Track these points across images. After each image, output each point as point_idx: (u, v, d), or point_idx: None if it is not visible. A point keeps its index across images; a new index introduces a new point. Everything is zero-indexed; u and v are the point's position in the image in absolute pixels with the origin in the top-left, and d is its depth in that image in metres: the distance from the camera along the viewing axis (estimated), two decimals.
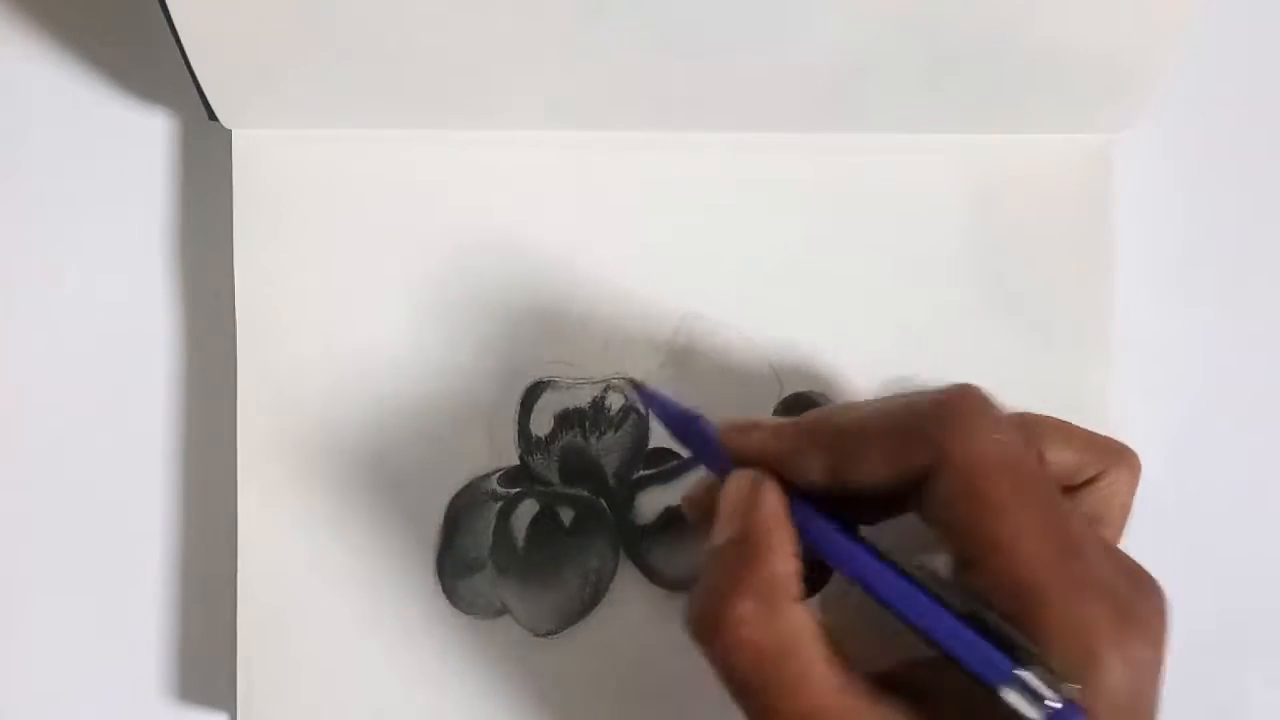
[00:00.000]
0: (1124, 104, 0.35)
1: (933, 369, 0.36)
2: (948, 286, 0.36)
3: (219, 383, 0.36)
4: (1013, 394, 0.35)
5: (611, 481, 0.35)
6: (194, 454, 0.37)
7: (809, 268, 0.36)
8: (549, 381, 0.36)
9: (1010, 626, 0.25)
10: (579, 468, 0.35)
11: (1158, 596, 0.27)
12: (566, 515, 0.35)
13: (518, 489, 0.35)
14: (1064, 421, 0.31)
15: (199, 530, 0.36)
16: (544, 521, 0.35)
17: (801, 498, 0.28)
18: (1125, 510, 0.30)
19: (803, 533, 0.28)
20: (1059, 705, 0.24)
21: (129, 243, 0.37)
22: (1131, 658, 0.25)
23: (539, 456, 0.35)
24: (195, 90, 0.34)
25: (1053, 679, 0.24)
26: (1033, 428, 0.30)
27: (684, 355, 0.36)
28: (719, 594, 0.26)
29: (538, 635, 0.35)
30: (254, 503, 0.35)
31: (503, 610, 0.35)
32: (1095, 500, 0.30)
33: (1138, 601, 0.26)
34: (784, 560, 0.27)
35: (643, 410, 0.35)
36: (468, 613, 0.35)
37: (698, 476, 0.32)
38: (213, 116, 0.35)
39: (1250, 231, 0.38)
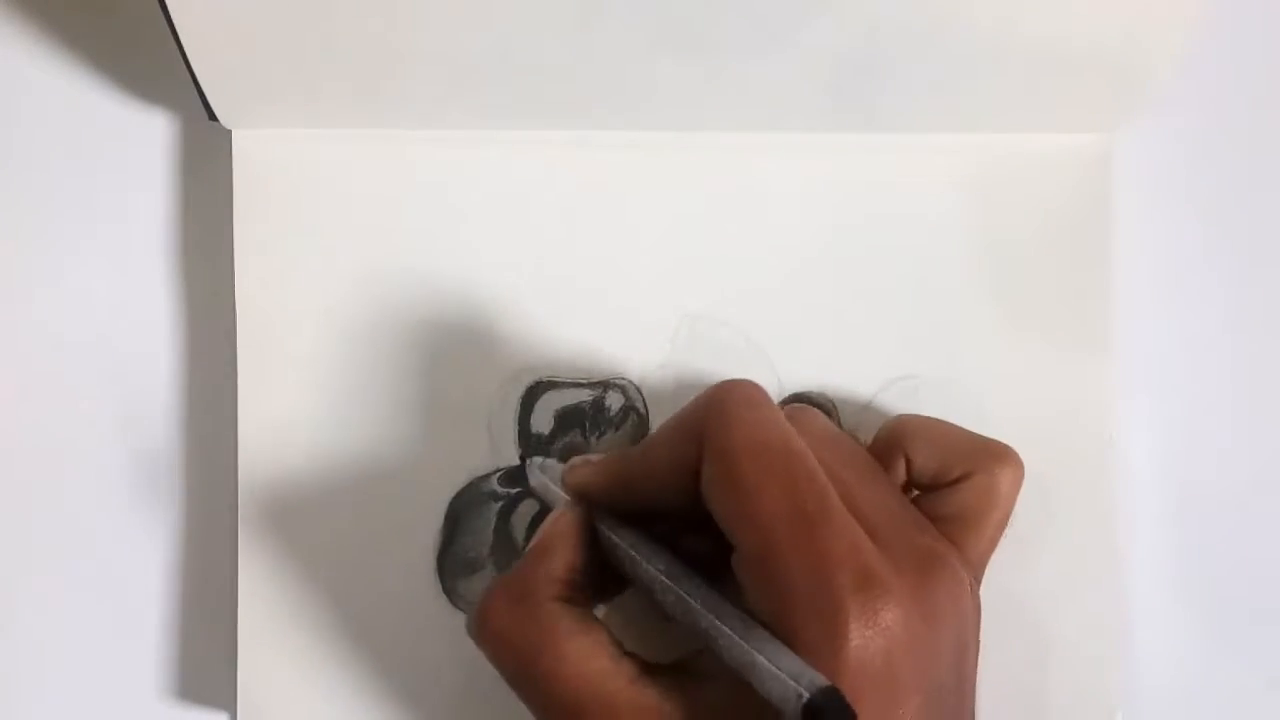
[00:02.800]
0: (1124, 102, 0.35)
1: (933, 368, 0.36)
2: (947, 286, 0.36)
3: (219, 382, 0.36)
4: (1013, 394, 0.36)
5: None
6: (194, 453, 0.37)
7: (809, 267, 0.36)
8: (549, 381, 0.36)
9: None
10: None
11: (943, 578, 0.28)
12: None
13: (518, 489, 0.35)
14: (934, 421, 0.33)
15: (199, 531, 0.36)
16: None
17: (618, 517, 0.30)
18: (999, 510, 0.31)
19: (610, 546, 0.30)
20: (806, 695, 0.24)
21: (129, 243, 0.37)
22: (879, 625, 0.26)
23: (539, 456, 0.35)
24: (195, 90, 0.34)
25: (803, 666, 0.25)
26: (900, 431, 0.32)
27: (684, 355, 0.36)
28: (487, 593, 0.29)
29: None
30: (254, 503, 0.35)
31: None
32: (960, 500, 0.31)
33: (907, 575, 0.27)
34: (554, 566, 0.29)
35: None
36: (468, 613, 0.35)
37: None
38: (213, 117, 0.35)
39: (1250, 231, 0.38)
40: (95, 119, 0.37)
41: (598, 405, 0.36)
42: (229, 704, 0.35)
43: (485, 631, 0.28)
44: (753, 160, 0.36)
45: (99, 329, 0.37)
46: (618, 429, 0.36)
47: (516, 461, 0.35)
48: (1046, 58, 0.34)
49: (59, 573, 0.36)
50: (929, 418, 0.33)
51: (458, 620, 0.35)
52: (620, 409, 0.36)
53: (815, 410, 0.33)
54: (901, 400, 0.36)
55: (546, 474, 0.33)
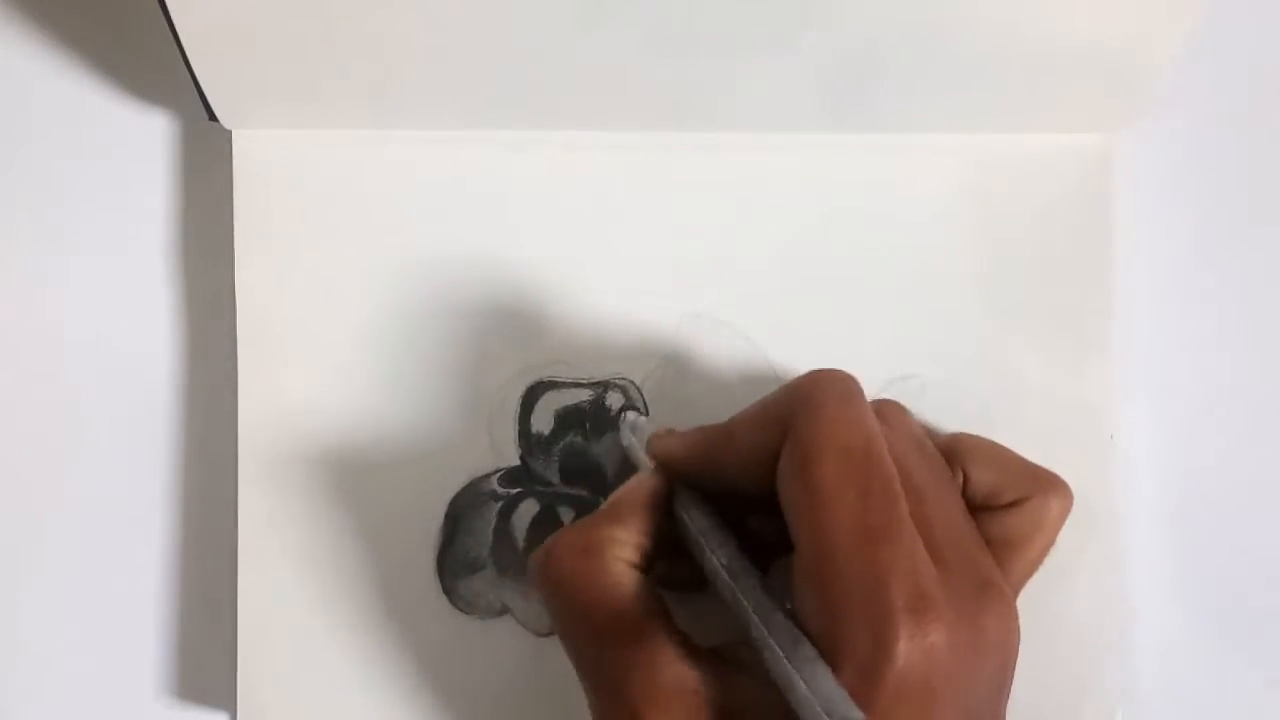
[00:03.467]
0: (1124, 103, 0.35)
1: (933, 368, 0.36)
2: (947, 286, 0.36)
3: (219, 382, 0.36)
4: (1013, 394, 0.36)
5: (612, 481, 0.35)
6: (194, 453, 0.37)
7: (809, 267, 0.36)
8: (549, 381, 0.36)
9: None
10: (579, 468, 0.35)
11: (994, 607, 0.28)
12: (567, 515, 0.35)
13: (518, 489, 0.35)
14: (995, 445, 0.32)
15: (199, 530, 0.36)
16: (544, 522, 0.35)
17: (696, 494, 0.30)
18: (1045, 538, 0.31)
19: (681, 524, 0.30)
20: None
21: (129, 243, 0.37)
22: (926, 647, 0.25)
23: (539, 456, 0.35)
24: (195, 91, 0.34)
25: (839, 696, 0.25)
26: (960, 444, 0.32)
27: (684, 355, 0.36)
28: (556, 538, 0.29)
29: (538, 635, 0.35)
30: (254, 502, 0.35)
31: (503, 610, 0.35)
32: (1014, 524, 0.31)
33: (960, 600, 0.26)
34: (626, 529, 0.29)
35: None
36: (468, 613, 0.35)
37: None
38: (213, 117, 0.35)
39: (1250, 231, 0.38)
40: (95, 119, 0.37)
41: (598, 405, 0.36)
42: (229, 704, 0.35)
43: (548, 572, 0.29)
44: (752, 160, 0.36)
45: (99, 329, 0.37)
46: (618, 429, 0.36)
47: (516, 461, 0.35)
48: (1046, 58, 0.34)
49: (59, 572, 0.36)
50: (986, 439, 0.32)
51: (458, 620, 0.35)
52: (620, 409, 0.36)
53: (902, 407, 0.32)
54: (901, 400, 0.36)
55: (636, 434, 0.33)
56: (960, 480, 0.31)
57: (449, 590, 0.35)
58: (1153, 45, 0.34)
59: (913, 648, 0.25)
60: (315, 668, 0.35)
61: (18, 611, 0.36)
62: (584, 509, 0.35)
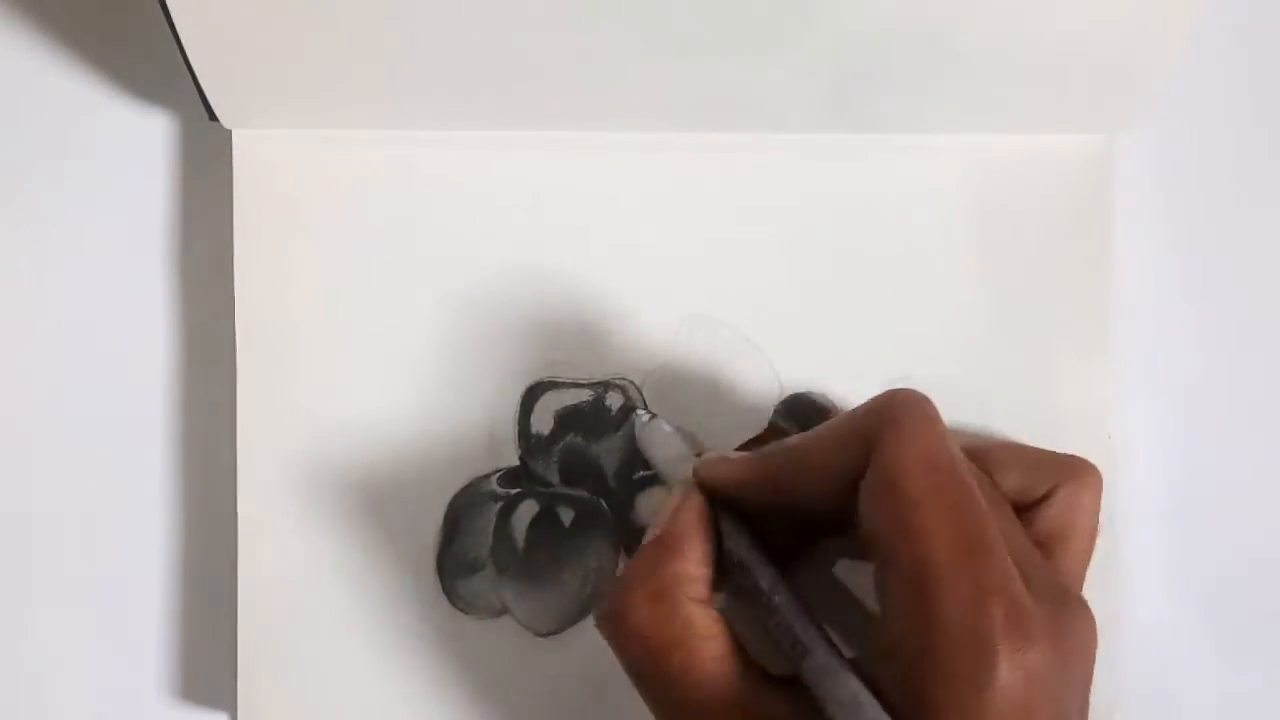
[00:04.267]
0: (1124, 103, 0.35)
1: (933, 368, 0.36)
2: (947, 286, 0.36)
3: (219, 383, 0.36)
4: (1013, 394, 0.36)
5: (611, 482, 0.35)
6: (194, 454, 0.37)
7: (809, 267, 0.36)
8: (549, 381, 0.36)
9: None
10: (579, 468, 0.35)
11: (1077, 617, 0.28)
12: (566, 515, 0.35)
13: (518, 489, 0.35)
14: (1011, 443, 0.32)
15: (199, 531, 0.36)
16: (544, 522, 0.35)
17: (736, 515, 0.30)
18: (1087, 523, 0.31)
19: (727, 551, 0.30)
20: None
21: (129, 243, 0.37)
22: (1025, 665, 0.25)
23: (539, 456, 0.35)
24: (195, 90, 0.34)
25: None
26: (980, 452, 0.31)
27: (684, 355, 0.36)
28: (622, 586, 0.28)
29: (538, 635, 0.35)
30: (254, 502, 0.35)
31: (503, 610, 0.35)
32: (1052, 516, 0.30)
33: (1048, 614, 0.26)
34: (689, 562, 0.29)
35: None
36: (468, 613, 0.35)
37: None
38: (213, 117, 0.35)
39: (1250, 231, 0.38)
40: (95, 119, 0.37)
41: (598, 405, 0.36)
42: (229, 704, 0.35)
43: (621, 627, 0.28)
44: (753, 160, 0.36)
45: (99, 329, 0.37)
46: (618, 429, 0.36)
47: (516, 461, 0.35)
48: (1047, 59, 0.34)
49: (59, 573, 0.36)
50: (1002, 440, 0.32)
51: (458, 620, 0.35)
52: (620, 409, 0.36)
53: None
54: None
55: (651, 435, 0.33)
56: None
57: (449, 590, 0.35)
58: (1152, 46, 0.34)
59: (1013, 666, 0.25)
60: (315, 668, 0.35)
61: (19, 612, 0.36)
62: (584, 509, 0.35)
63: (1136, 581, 0.36)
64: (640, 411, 0.34)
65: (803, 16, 0.33)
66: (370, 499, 0.35)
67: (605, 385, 0.36)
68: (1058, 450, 0.32)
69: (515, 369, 0.36)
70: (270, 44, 0.33)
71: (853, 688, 0.26)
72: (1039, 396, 0.36)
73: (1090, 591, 0.35)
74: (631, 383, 0.36)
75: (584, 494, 0.35)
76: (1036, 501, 0.31)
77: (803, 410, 0.36)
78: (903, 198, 0.36)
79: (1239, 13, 0.38)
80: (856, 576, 0.31)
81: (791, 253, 0.36)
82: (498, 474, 0.35)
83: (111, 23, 0.37)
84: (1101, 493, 0.31)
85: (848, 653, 0.27)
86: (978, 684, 0.25)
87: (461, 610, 0.35)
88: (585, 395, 0.36)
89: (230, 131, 0.35)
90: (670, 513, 0.30)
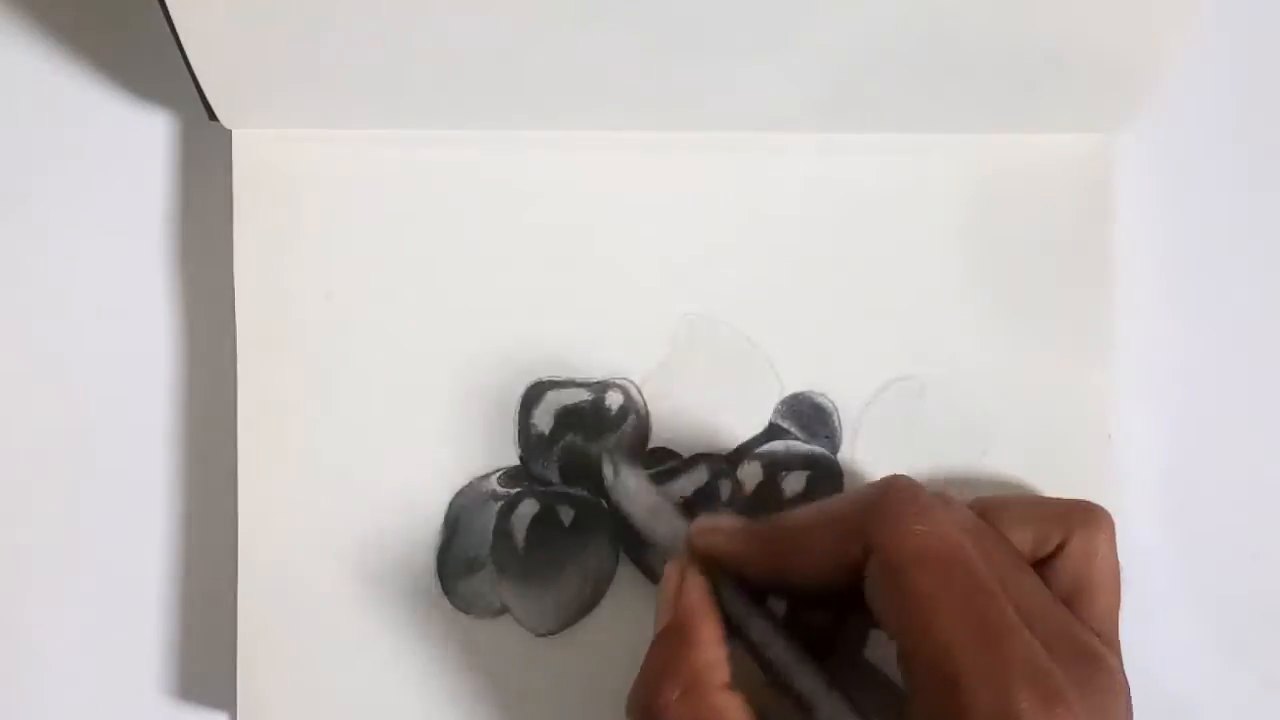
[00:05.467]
0: (1124, 103, 0.35)
1: (933, 369, 0.36)
2: (947, 286, 0.36)
3: (219, 382, 0.36)
4: (1013, 394, 0.36)
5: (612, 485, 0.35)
6: (194, 454, 0.37)
7: (809, 267, 0.36)
8: (549, 381, 0.36)
9: None
10: (579, 467, 0.35)
11: (1108, 680, 0.28)
12: (566, 515, 0.35)
13: (518, 489, 0.35)
14: (1018, 497, 0.33)
15: (199, 530, 0.36)
16: (544, 521, 0.35)
17: (736, 582, 0.30)
18: (1106, 570, 0.31)
19: (728, 616, 0.30)
20: None
21: (129, 243, 0.37)
22: None
23: (539, 456, 0.35)
24: (195, 90, 0.34)
25: None
26: (987, 511, 0.31)
27: (684, 355, 0.36)
28: (650, 683, 0.29)
29: (538, 635, 0.35)
30: (254, 502, 0.35)
31: (503, 610, 0.35)
32: (1069, 569, 0.31)
33: (1077, 680, 0.26)
34: (709, 648, 0.29)
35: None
36: (468, 612, 0.35)
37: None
38: (213, 116, 0.35)
39: (1251, 231, 0.38)
40: (95, 118, 0.37)
41: (598, 405, 0.36)
42: (229, 704, 0.35)
43: None
44: (753, 160, 0.36)
45: (98, 328, 0.37)
46: (617, 429, 0.36)
47: (516, 461, 0.35)
48: (1047, 58, 0.34)
49: (59, 572, 0.36)
50: (1002, 495, 0.33)
51: (458, 620, 0.35)
52: (620, 409, 0.36)
53: (956, 500, 0.32)
54: (901, 401, 0.36)
55: (629, 496, 0.32)
56: None
57: (449, 590, 0.35)
58: (1153, 45, 0.34)
59: None
60: (315, 668, 0.35)
61: (18, 611, 0.36)
62: (584, 508, 0.35)
63: (1135, 581, 0.36)
64: (606, 468, 0.33)
65: (803, 16, 0.33)
66: (370, 499, 0.35)
67: (605, 385, 0.36)
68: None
69: (515, 368, 0.36)
70: (270, 43, 0.33)
71: None
72: (1039, 396, 0.36)
73: None
74: (631, 382, 0.36)
75: (584, 493, 0.35)
76: (1050, 555, 0.31)
77: (803, 410, 0.36)
78: (903, 198, 0.36)
79: (1239, 13, 0.38)
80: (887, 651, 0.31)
81: (791, 253, 0.36)
82: (498, 473, 0.35)
83: (111, 22, 0.37)
84: (1114, 535, 0.31)
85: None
86: None
87: (461, 610, 0.35)
88: (585, 395, 0.36)
89: (230, 131, 0.35)
90: (673, 596, 0.30)
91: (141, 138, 0.37)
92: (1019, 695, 0.25)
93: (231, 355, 0.35)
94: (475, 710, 0.35)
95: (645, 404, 0.36)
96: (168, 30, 0.32)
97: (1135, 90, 0.35)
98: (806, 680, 0.28)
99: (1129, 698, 0.28)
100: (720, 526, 0.31)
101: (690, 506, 0.35)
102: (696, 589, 0.30)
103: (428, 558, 0.35)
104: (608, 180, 0.36)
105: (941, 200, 0.36)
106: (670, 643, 0.29)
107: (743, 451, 0.36)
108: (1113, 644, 0.30)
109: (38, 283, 0.37)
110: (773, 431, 0.36)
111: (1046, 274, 0.36)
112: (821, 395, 0.36)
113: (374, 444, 0.35)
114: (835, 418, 0.36)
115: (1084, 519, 0.31)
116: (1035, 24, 0.33)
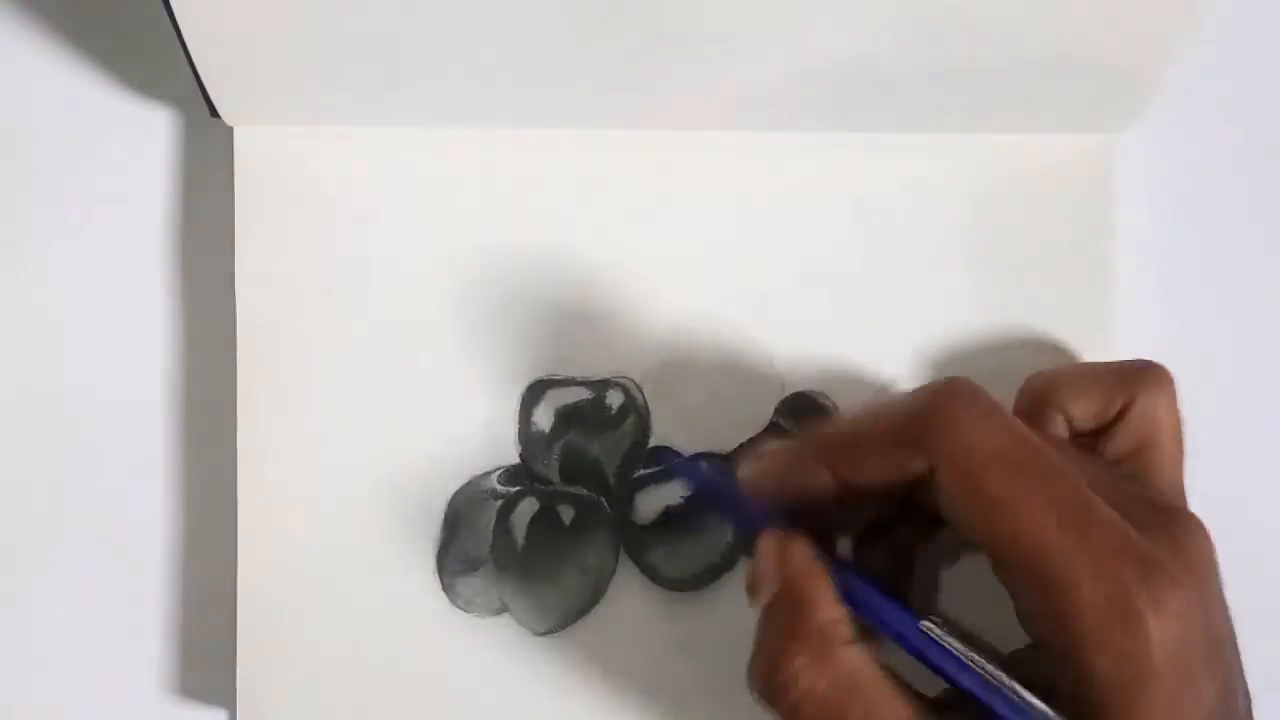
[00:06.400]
0: (1125, 103, 0.35)
1: (933, 368, 0.36)
2: (948, 286, 0.36)
3: (218, 381, 0.36)
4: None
5: (612, 480, 0.35)
6: (194, 453, 0.37)
7: (809, 267, 0.36)
8: (549, 380, 0.36)
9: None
10: (579, 466, 0.35)
11: (1192, 533, 0.27)
12: (567, 514, 0.35)
13: (518, 487, 0.35)
14: (1074, 368, 0.32)
15: (199, 528, 0.36)
16: (544, 520, 0.35)
17: (829, 554, 0.29)
18: (1172, 427, 0.30)
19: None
20: None
21: (129, 241, 0.37)
22: (1171, 611, 0.25)
23: (539, 454, 0.35)
24: (197, 86, 0.34)
25: None
26: (1046, 388, 0.31)
27: (684, 355, 0.36)
28: (774, 654, 0.27)
29: (537, 634, 0.35)
30: (254, 501, 0.35)
31: (502, 609, 0.35)
32: (1133, 430, 0.30)
33: (1169, 549, 0.26)
34: (828, 607, 0.28)
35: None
36: (467, 611, 0.35)
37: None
38: (214, 113, 0.35)
39: (1251, 231, 0.38)
40: (96, 115, 0.37)
41: (598, 404, 0.36)
42: (229, 703, 0.35)
43: (791, 694, 0.27)
44: (753, 160, 0.36)
45: (98, 325, 0.37)
46: (618, 428, 0.36)
47: (517, 460, 0.35)
48: (1047, 59, 0.34)
49: (58, 571, 0.36)
50: (1056, 369, 0.32)
51: (458, 619, 0.35)
52: (620, 408, 0.36)
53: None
54: None
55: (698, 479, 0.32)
56: (1064, 423, 0.31)
57: (449, 588, 0.35)
58: (1154, 46, 0.34)
59: (1161, 619, 0.25)
60: (314, 665, 0.35)
61: (18, 610, 0.36)
62: (584, 507, 0.35)
63: None
64: (685, 464, 0.34)
65: (803, 16, 0.33)
66: (370, 497, 0.35)
67: (605, 383, 0.36)
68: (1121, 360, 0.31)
69: (515, 366, 0.36)
70: (272, 40, 0.33)
71: (1029, 701, 0.26)
72: None
73: None
74: (632, 381, 0.36)
75: (584, 492, 0.35)
76: (1114, 420, 0.30)
77: (803, 410, 0.36)
78: (903, 197, 0.36)
79: (1239, 13, 0.38)
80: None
81: (792, 252, 0.36)
82: (498, 472, 0.35)
83: (113, 18, 0.37)
84: (1174, 389, 0.31)
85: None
86: (1139, 652, 0.25)
87: (461, 608, 0.35)
88: (585, 394, 0.36)
89: (232, 128, 0.35)
90: (776, 563, 0.28)
91: (143, 134, 0.37)
92: (1122, 577, 0.25)
93: (231, 353, 0.35)
94: (474, 708, 0.35)
95: (645, 403, 0.36)
96: (170, 26, 0.32)
97: (1138, 92, 0.35)
98: (949, 663, 0.27)
99: (1211, 541, 0.28)
100: (766, 451, 0.30)
101: (690, 506, 0.35)
102: (801, 552, 0.28)
103: (428, 557, 0.35)
104: (609, 179, 0.36)
105: (942, 200, 0.36)
106: (784, 608, 0.28)
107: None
108: (1181, 497, 0.30)
109: (37, 279, 0.37)
110: (773, 431, 0.36)
111: (1047, 274, 0.36)
112: (823, 395, 0.36)
113: (373, 442, 0.35)
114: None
115: (1145, 380, 0.30)
116: (1036, 24, 0.33)
